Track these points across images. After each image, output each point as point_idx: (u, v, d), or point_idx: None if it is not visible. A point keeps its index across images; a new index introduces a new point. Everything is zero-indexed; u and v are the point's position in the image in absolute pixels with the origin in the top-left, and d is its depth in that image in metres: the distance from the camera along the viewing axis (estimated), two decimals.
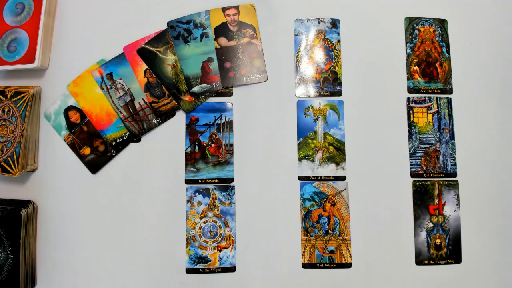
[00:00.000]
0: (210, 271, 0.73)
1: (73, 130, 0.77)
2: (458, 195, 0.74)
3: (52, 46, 0.79)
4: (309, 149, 0.75)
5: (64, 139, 0.77)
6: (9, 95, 0.75)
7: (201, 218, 0.74)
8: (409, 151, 0.75)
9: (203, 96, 0.76)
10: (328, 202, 0.74)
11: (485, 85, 0.77)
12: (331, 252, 0.73)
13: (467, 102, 0.77)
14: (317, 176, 0.75)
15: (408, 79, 0.77)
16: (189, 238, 0.74)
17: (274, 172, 0.75)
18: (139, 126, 0.76)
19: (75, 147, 0.77)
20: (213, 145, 0.76)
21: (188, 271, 0.73)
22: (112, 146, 0.76)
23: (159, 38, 0.77)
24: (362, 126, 0.76)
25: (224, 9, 0.78)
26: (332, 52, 0.78)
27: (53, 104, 0.77)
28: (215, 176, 0.75)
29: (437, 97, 0.76)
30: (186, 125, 0.77)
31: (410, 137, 0.76)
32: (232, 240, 0.74)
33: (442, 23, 0.79)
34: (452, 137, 0.76)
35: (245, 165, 0.75)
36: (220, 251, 0.73)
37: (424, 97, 0.77)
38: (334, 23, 0.78)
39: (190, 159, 0.76)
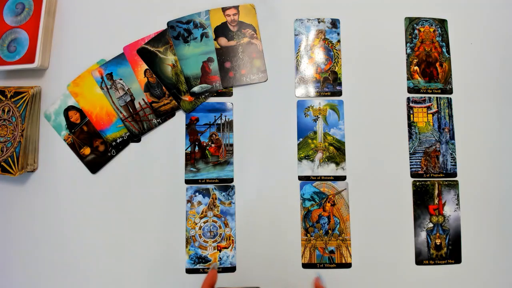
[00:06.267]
0: None
1: (73, 130, 0.77)
2: (458, 195, 0.74)
3: (52, 46, 0.79)
4: (309, 149, 0.75)
5: (64, 139, 0.77)
6: (9, 95, 0.75)
7: (201, 218, 0.74)
8: (409, 151, 0.75)
9: (203, 96, 0.76)
10: (328, 202, 0.74)
11: (485, 85, 0.77)
12: (331, 252, 0.73)
13: (467, 102, 0.77)
14: (317, 176, 0.75)
15: (408, 79, 0.77)
16: (189, 238, 0.74)
17: (274, 172, 0.75)
18: (139, 126, 0.76)
19: (75, 147, 0.77)
20: (213, 145, 0.76)
21: (188, 271, 0.73)
22: (112, 146, 0.76)
23: (159, 38, 0.77)
24: (362, 126, 0.76)
25: (224, 9, 0.78)
26: (332, 52, 0.78)
27: (53, 104, 0.77)
28: (215, 176, 0.75)
29: (437, 97, 0.76)
30: (186, 125, 0.76)
31: (410, 137, 0.76)
32: (232, 240, 0.74)
33: (442, 23, 0.79)
34: (452, 137, 0.76)
35: (245, 165, 0.75)
36: (220, 251, 0.73)
37: (424, 97, 0.76)
38: (334, 23, 0.78)
39: (190, 159, 0.76)
